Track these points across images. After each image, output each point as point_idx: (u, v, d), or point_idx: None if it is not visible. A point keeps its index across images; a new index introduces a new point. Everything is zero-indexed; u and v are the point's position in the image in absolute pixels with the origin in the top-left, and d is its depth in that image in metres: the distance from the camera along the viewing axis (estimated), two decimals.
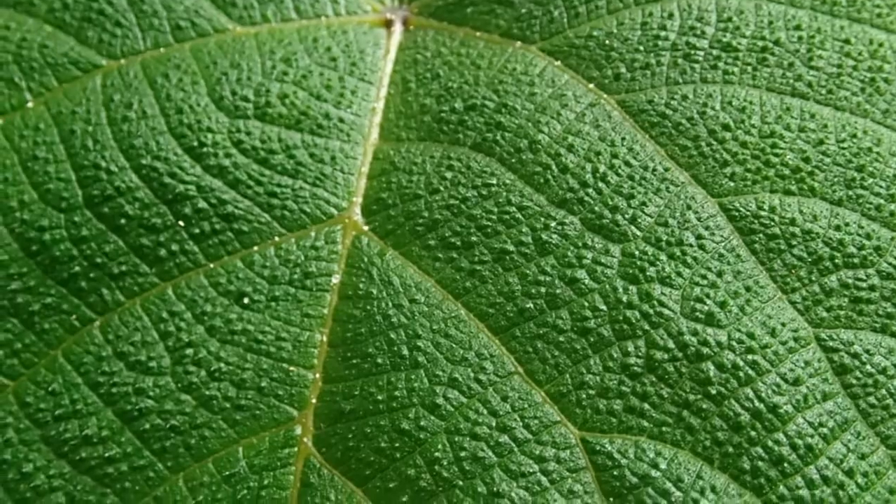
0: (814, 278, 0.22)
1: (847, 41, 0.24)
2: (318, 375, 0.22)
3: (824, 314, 0.22)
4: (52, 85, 0.25)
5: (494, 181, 0.23)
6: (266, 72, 0.25)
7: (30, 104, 0.25)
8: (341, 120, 0.25)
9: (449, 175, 0.24)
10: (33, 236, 0.23)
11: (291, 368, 0.22)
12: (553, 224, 0.23)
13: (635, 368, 0.21)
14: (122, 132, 0.24)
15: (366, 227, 0.24)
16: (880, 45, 0.24)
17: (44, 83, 0.25)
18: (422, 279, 0.23)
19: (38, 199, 0.23)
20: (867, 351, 0.21)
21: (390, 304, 0.23)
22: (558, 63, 0.25)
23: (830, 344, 0.21)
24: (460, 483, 0.21)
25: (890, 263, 0.22)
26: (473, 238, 0.23)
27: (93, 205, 0.23)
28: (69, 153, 0.24)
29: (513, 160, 0.23)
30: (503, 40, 0.25)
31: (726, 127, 0.23)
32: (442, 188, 0.24)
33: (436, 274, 0.23)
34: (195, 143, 0.24)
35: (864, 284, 0.22)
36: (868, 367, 0.21)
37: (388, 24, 0.26)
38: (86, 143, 0.24)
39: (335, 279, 0.23)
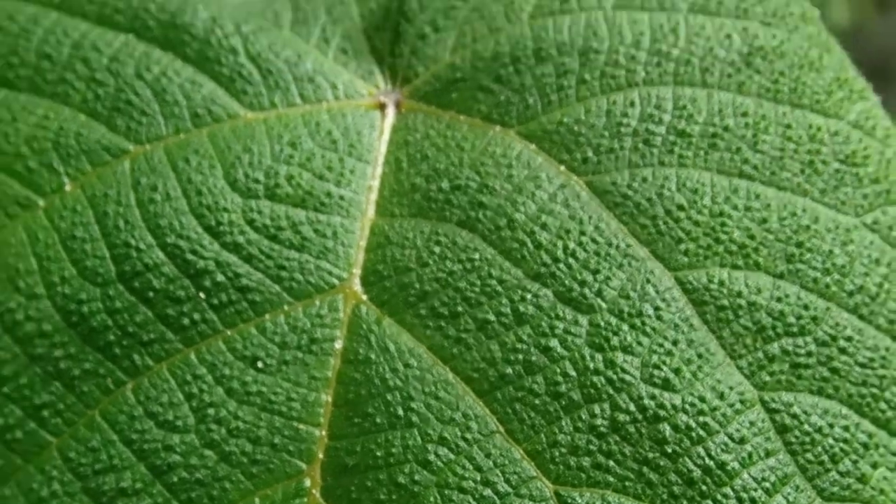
0: (758, 345, 0.23)
1: (789, 126, 0.25)
2: (324, 433, 0.24)
3: (767, 378, 0.23)
4: (86, 169, 0.26)
5: (477, 256, 0.25)
6: (275, 155, 0.26)
7: (67, 187, 0.26)
8: (342, 197, 0.26)
9: (437, 250, 0.25)
10: (73, 308, 0.24)
11: (301, 426, 0.24)
12: (529, 296, 0.24)
13: (601, 429, 0.22)
14: (149, 213, 0.25)
15: (364, 297, 0.25)
16: (818, 129, 0.25)
17: (79, 168, 0.26)
18: (415, 345, 0.24)
19: (76, 274, 0.25)
20: (805, 412, 0.23)
21: (387, 368, 0.24)
22: (533, 146, 0.26)
23: (773, 405, 0.23)
24: None
25: (825, 332, 0.23)
26: (459, 308, 0.24)
27: (125, 279, 0.25)
28: (103, 232, 0.25)
29: (493, 237, 0.25)
30: (484, 124, 0.27)
31: (681, 207, 0.24)
32: (431, 262, 0.25)
33: (427, 340, 0.24)
34: (213, 223, 0.25)
35: (802, 351, 0.23)
36: (806, 426, 0.23)
37: (382, 107, 0.28)
38: (117, 223, 0.25)
39: (338, 344, 0.24)
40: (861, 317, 0.24)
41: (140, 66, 0.27)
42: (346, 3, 0.29)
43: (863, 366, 0.23)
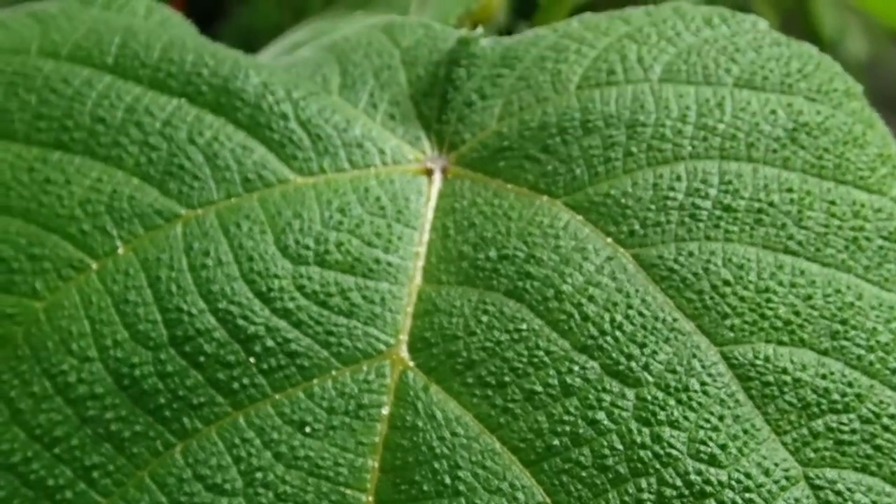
0: (803, 422, 0.24)
1: (833, 202, 0.26)
2: (370, 498, 0.24)
3: (812, 455, 0.23)
4: (139, 233, 0.27)
5: (525, 326, 0.25)
6: (324, 221, 0.27)
7: (120, 250, 0.26)
8: (389, 264, 0.27)
9: (484, 319, 0.25)
10: (125, 372, 0.25)
11: (347, 491, 0.24)
12: (576, 368, 0.24)
13: (647, 503, 0.23)
14: (201, 278, 0.26)
15: (411, 363, 0.25)
16: (862, 205, 0.26)
17: (132, 231, 0.27)
18: (461, 413, 0.25)
19: (129, 338, 0.25)
20: (849, 489, 0.23)
21: (434, 435, 0.24)
22: (580, 217, 0.26)
23: (817, 482, 0.23)
24: None
25: (869, 409, 0.24)
26: (506, 378, 0.25)
27: (176, 344, 0.25)
28: (155, 297, 0.26)
29: (541, 307, 0.25)
30: (531, 193, 0.27)
31: (727, 282, 0.25)
32: (478, 331, 0.25)
33: (474, 409, 0.25)
34: (264, 289, 0.26)
35: (847, 428, 0.24)
36: (849, 503, 0.23)
37: (429, 173, 0.28)
38: (170, 287, 0.26)
39: (385, 410, 0.25)
40: None
41: (192, 131, 0.28)
42: (394, 68, 0.30)
43: None
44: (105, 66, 0.29)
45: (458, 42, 0.30)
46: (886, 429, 0.24)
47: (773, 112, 0.27)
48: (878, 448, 0.23)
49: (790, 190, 0.26)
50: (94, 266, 0.26)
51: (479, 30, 0.30)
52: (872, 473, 0.23)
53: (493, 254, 0.26)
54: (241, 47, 0.40)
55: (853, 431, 0.24)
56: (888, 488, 0.23)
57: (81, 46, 0.29)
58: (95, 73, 0.28)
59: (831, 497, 0.23)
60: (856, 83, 0.28)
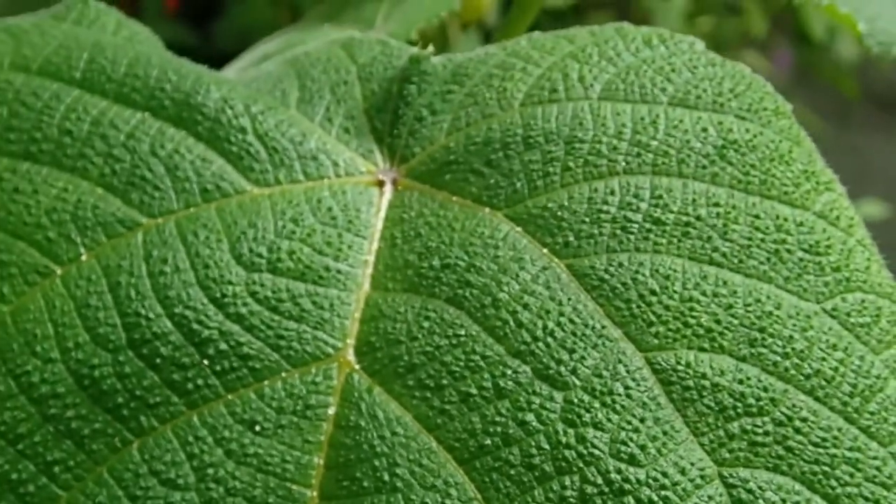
0: (719, 424, 0.25)
1: (757, 216, 0.27)
2: (315, 493, 0.26)
3: (727, 455, 0.25)
4: (101, 240, 0.28)
5: (463, 332, 0.27)
6: (277, 231, 0.28)
7: (83, 257, 0.28)
8: (339, 271, 0.28)
9: (426, 324, 0.27)
10: (86, 373, 0.27)
11: (293, 487, 0.26)
12: (509, 372, 0.26)
13: (571, 499, 0.24)
14: (159, 284, 0.27)
15: (357, 366, 0.27)
16: (785, 219, 0.27)
17: (95, 239, 0.28)
18: (402, 413, 0.26)
19: (89, 340, 0.27)
20: (760, 487, 0.25)
21: (375, 434, 0.26)
22: (519, 229, 0.28)
23: (730, 481, 0.25)
24: None
25: (782, 412, 0.25)
26: (444, 381, 0.26)
27: (134, 346, 0.27)
28: (115, 302, 0.27)
29: (478, 314, 0.27)
30: (474, 205, 0.29)
31: (653, 292, 0.26)
32: (420, 336, 0.27)
33: (413, 410, 0.26)
34: (218, 294, 0.27)
35: (760, 430, 0.25)
36: (760, 501, 0.24)
37: (380, 185, 0.30)
38: (129, 293, 0.27)
39: (331, 410, 0.26)
40: (817, 398, 0.25)
41: (155, 143, 0.29)
42: (350, 83, 0.32)
43: (816, 445, 0.25)
44: (73, 81, 0.30)
45: (410, 60, 0.31)
46: (798, 431, 0.25)
47: (705, 130, 0.29)
48: (789, 449, 0.25)
49: (717, 204, 0.28)
50: (59, 272, 0.28)
51: (430, 48, 0.32)
52: (783, 473, 0.25)
53: (436, 263, 0.28)
54: (235, 45, 0.42)
55: (766, 433, 0.25)
56: (797, 487, 0.25)
57: (51, 61, 0.30)
58: (64, 88, 0.30)
59: (743, 495, 0.24)
60: (785, 102, 0.30)
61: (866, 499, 0.25)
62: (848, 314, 0.27)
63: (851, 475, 0.25)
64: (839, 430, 0.25)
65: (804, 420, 0.25)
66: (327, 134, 0.30)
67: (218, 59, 0.36)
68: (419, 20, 0.37)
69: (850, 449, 0.25)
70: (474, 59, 0.31)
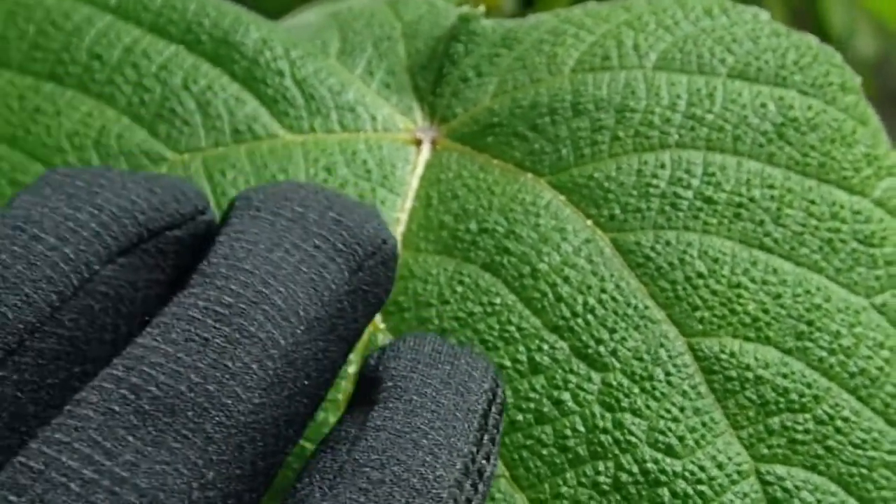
0: (760, 419, 0.24)
1: (813, 202, 0.26)
2: None
3: (765, 451, 0.24)
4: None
5: (498, 301, 0.25)
6: (309, 177, 0.27)
7: None
8: None
9: (459, 289, 0.26)
10: None
11: (307, 445, 0.24)
12: (546, 347, 0.25)
13: (604, 486, 0.23)
14: None
15: (382, 325, 0.26)
16: (842, 206, 0.26)
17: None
18: None
19: None
20: (796, 486, 0.23)
21: None
22: (563, 198, 0.27)
23: (767, 478, 0.24)
24: None
25: (824, 410, 0.24)
26: (476, 350, 0.25)
27: None
28: None
29: (516, 284, 0.25)
30: (517, 170, 0.27)
31: (700, 275, 0.25)
32: (452, 300, 0.26)
33: None
34: None
35: (801, 427, 0.24)
36: (796, 500, 0.23)
37: (418, 143, 0.28)
38: None
39: (351, 369, 0.25)
40: (860, 398, 0.24)
41: (188, 78, 0.28)
42: (394, 39, 0.30)
43: (855, 446, 0.24)
44: (107, 7, 0.28)
45: (459, 18, 0.30)
46: (838, 431, 0.24)
47: (764, 105, 0.27)
48: (828, 449, 0.24)
49: (772, 186, 0.26)
50: None
51: (482, 8, 0.30)
52: (821, 473, 0.24)
53: (473, 226, 0.26)
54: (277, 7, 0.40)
55: (807, 431, 0.24)
56: (833, 488, 0.24)
57: None
58: (97, 12, 0.28)
59: (779, 493, 0.23)
60: (853, 76, 0.28)
61: None
62: None
63: (888, 479, 0.24)
64: (880, 432, 0.24)
65: (845, 420, 0.24)
66: (367, 87, 0.29)
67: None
68: None
69: (890, 452, 0.24)
70: (525, 25, 0.30)
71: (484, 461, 0.20)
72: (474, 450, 0.19)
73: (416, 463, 0.18)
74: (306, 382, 0.19)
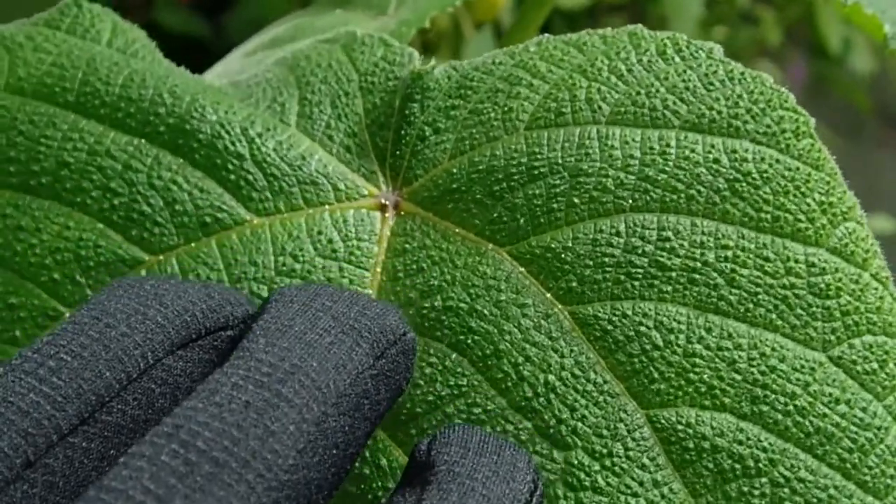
0: (717, 486, 0.25)
1: (767, 259, 0.26)
2: None
3: None
4: (105, 280, 0.28)
5: (465, 382, 0.26)
6: (278, 269, 0.28)
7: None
8: None
9: (428, 371, 0.27)
10: None
11: None
12: (511, 428, 0.26)
13: None
14: None
15: None
16: (796, 260, 0.26)
17: (98, 279, 0.28)
18: (405, 463, 0.26)
19: None
20: None
21: (380, 485, 0.26)
22: (522, 269, 0.27)
23: None
24: None
25: (780, 473, 0.25)
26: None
27: None
28: None
29: (481, 364, 0.26)
30: (477, 240, 0.28)
31: (656, 346, 0.26)
32: (422, 383, 0.27)
33: None
34: None
35: (757, 492, 0.25)
36: None
37: (382, 209, 0.29)
38: None
39: None
40: (816, 456, 0.25)
41: (152, 174, 0.28)
42: (351, 95, 0.30)
43: None
44: (68, 105, 0.29)
45: (412, 76, 0.29)
46: (794, 492, 0.25)
47: (717, 161, 0.27)
48: None
49: (726, 247, 0.26)
50: (67, 314, 0.27)
51: (433, 62, 0.30)
52: None
53: (438, 303, 0.27)
54: (248, 37, 0.40)
55: (763, 495, 0.25)
56: None
57: (46, 83, 0.29)
58: (59, 112, 0.29)
59: None
60: (807, 119, 0.28)
61: None
62: (854, 361, 0.26)
63: None
64: (836, 487, 0.25)
65: (801, 480, 0.25)
66: (328, 153, 0.29)
67: (229, 51, 0.34)
68: (432, 7, 0.35)
69: None
70: (480, 69, 0.29)
71: None
72: None
73: None
74: (335, 452, 0.21)
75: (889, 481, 0.25)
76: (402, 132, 0.29)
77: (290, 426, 0.19)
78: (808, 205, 0.27)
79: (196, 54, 0.30)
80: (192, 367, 0.23)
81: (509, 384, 0.26)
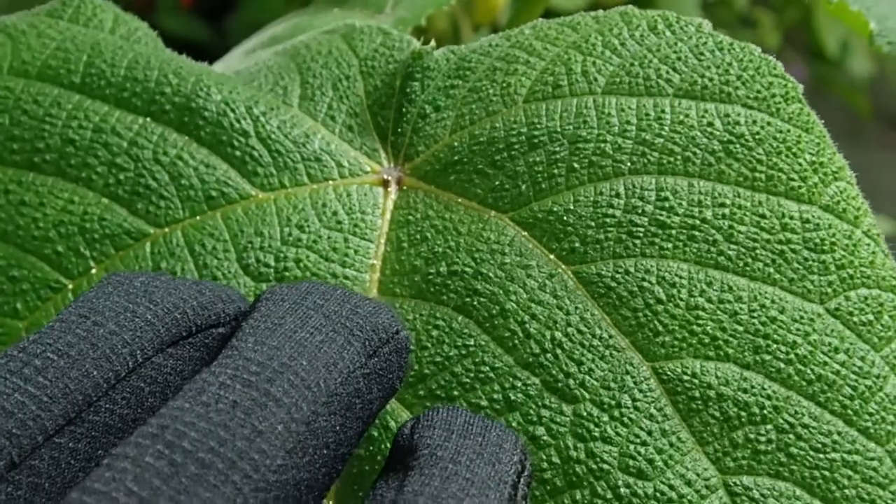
0: (724, 433, 0.25)
1: (763, 216, 0.27)
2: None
3: (731, 463, 0.25)
4: (110, 252, 0.28)
5: (472, 342, 0.27)
6: (283, 238, 0.28)
7: (93, 270, 0.28)
8: (346, 277, 0.28)
9: (435, 333, 0.27)
10: None
11: None
12: (519, 384, 0.26)
13: None
14: None
15: None
16: (791, 217, 0.27)
17: (104, 251, 0.28)
18: None
19: None
20: (763, 494, 0.25)
21: (387, 444, 0.26)
22: (525, 233, 0.28)
23: (735, 489, 0.25)
24: None
25: (785, 419, 0.25)
26: (455, 392, 0.26)
27: None
28: None
29: (487, 324, 0.27)
30: (480, 208, 0.28)
31: (659, 300, 0.26)
32: (429, 345, 0.27)
33: None
34: None
35: (763, 438, 0.25)
36: None
37: (385, 184, 0.29)
38: None
39: None
40: (818, 403, 0.26)
41: (157, 150, 0.29)
42: (352, 78, 0.31)
43: (817, 450, 0.25)
44: (73, 86, 0.29)
45: (412, 55, 0.30)
46: (799, 437, 0.25)
47: (710, 124, 0.28)
48: (791, 456, 0.25)
49: (723, 205, 0.27)
50: (70, 286, 0.28)
51: (432, 43, 0.31)
52: (785, 479, 0.25)
53: (443, 269, 0.27)
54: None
55: (769, 441, 0.25)
56: (798, 492, 0.25)
57: (50, 66, 0.29)
58: (64, 93, 0.29)
59: (747, 503, 0.25)
60: (795, 84, 0.29)
61: (863, 499, 0.25)
62: (850, 313, 0.26)
63: (849, 478, 0.25)
64: (839, 433, 0.25)
65: (805, 426, 0.25)
66: (331, 133, 0.30)
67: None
68: (429, 6, 0.36)
69: (849, 452, 0.25)
70: (477, 51, 0.30)
71: None
72: None
73: None
74: (325, 451, 0.20)
75: (890, 427, 0.26)
76: (404, 110, 0.30)
77: (279, 426, 0.19)
78: (800, 164, 0.28)
79: (197, 58, 0.31)
80: (183, 366, 0.22)
81: (516, 342, 0.26)
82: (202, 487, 0.17)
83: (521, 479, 0.22)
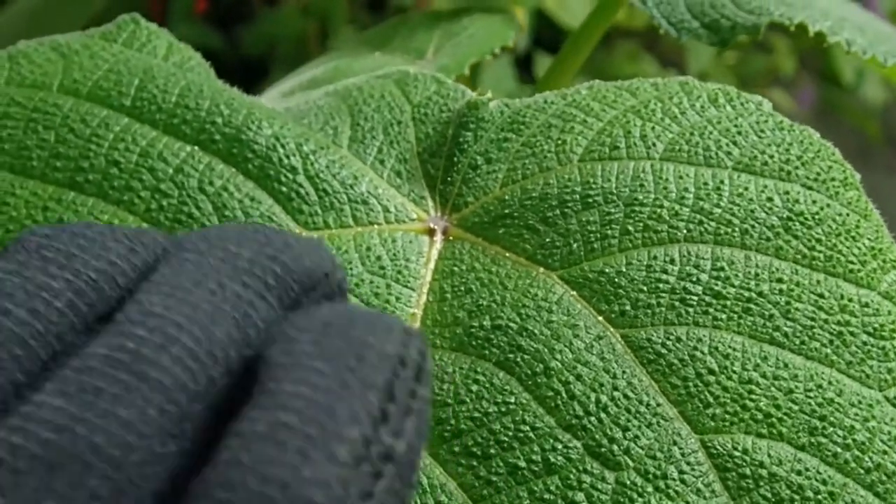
0: None
1: (821, 295, 0.26)
2: None
3: None
4: None
5: (513, 399, 0.25)
6: None
7: None
8: None
9: (475, 388, 0.25)
10: None
11: None
12: (560, 446, 0.24)
13: None
14: None
15: None
16: (850, 299, 0.26)
17: None
18: (447, 481, 0.25)
19: None
20: None
21: (419, 501, 0.24)
22: (574, 293, 0.26)
23: None
24: None
25: None
26: (492, 450, 0.25)
27: None
28: None
29: (529, 382, 0.25)
30: (528, 264, 0.27)
31: (711, 371, 0.25)
32: (468, 400, 0.25)
33: (458, 478, 0.24)
34: None
35: None
36: None
37: (430, 233, 0.28)
38: None
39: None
40: (877, 494, 0.24)
41: (203, 179, 0.27)
42: (404, 123, 0.30)
43: None
44: (123, 108, 0.28)
45: (468, 105, 0.29)
46: None
47: (770, 199, 0.27)
48: None
49: (780, 280, 0.26)
50: None
51: (489, 94, 0.30)
52: None
53: (486, 322, 0.26)
54: (261, 51, 0.40)
55: None
56: None
57: (101, 87, 0.29)
58: (113, 115, 0.28)
59: None
60: (852, 171, 0.28)
61: None
62: None
63: None
64: None
65: None
66: (379, 177, 0.29)
67: (242, 65, 0.34)
68: (472, 55, 0.35)
69: None
70: (532, 107, 0.29)
71: (391, 439, 0.17)
72: (369, 432, 0.16)
73: (285, 469, 0.16)
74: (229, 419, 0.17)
75: None
76: (455, 160, 0.29)
77: (151, 411, 0.16)
78: (860, 249, 0.27)
79: (211, 67, 0.30)
80: None
81: (559, 402, 0.25)
82: (51, 498, 0.15)
83: (401, 375, 0.17)
